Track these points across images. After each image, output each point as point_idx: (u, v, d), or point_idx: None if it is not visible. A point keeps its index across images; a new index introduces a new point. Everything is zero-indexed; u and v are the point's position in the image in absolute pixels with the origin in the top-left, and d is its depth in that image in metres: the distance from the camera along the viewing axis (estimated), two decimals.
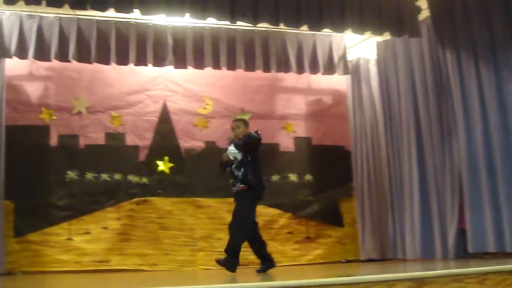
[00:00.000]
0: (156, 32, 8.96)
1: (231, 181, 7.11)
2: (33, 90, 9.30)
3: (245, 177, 6.89)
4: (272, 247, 9.56)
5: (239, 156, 6.92)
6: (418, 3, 8.45)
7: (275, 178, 9.88)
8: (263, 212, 9.68)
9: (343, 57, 9.91)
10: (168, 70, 9.52)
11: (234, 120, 7.49)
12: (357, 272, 6.42)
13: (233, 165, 6.96)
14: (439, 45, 8.42)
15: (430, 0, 8.36)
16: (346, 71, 9.96)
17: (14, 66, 9.04)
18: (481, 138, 7.74)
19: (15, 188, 8.74)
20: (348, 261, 9.85)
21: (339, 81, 10.39)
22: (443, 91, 8.46)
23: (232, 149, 6.97)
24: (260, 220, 9.61)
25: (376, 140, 10.04)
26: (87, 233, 9.03)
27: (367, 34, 8.94)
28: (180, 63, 9.08)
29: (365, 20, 8.13)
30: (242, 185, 6.90)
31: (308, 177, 10.11)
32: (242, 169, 6.90)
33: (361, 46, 10.20)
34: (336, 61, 9.82)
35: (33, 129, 9.14)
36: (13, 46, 8.43)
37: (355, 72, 10.27)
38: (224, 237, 9.31)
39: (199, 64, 9.15)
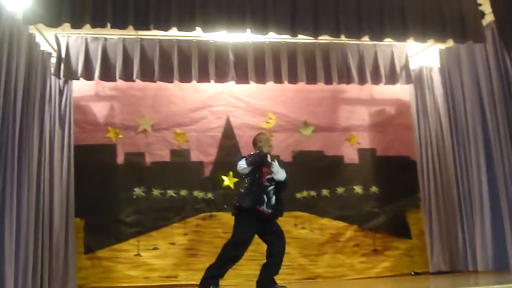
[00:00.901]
0: (217, 48, 9.06)
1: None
2: (99, 110, 9.58)
3: (280, 204, 6.76)
4: (339, 260, 9.54)
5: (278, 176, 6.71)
6: (481, 8, 8.26)
7: (340, 190, 9.81)
8: (329, 225, 9.66)
9: (406, 66, 9.79)
10: (230, 86, 9.62)
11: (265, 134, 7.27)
12: (427, 285, 6.29)
13: (270, 187, 6.66)
14: (505, 49, 8.21)
15: (494, 4, 8.15)
16: (409, 81, 9.83)
17: (80, 87, 9.36)
18: None
19: (85, 205, 9.00)
20: (416, 274, 9.65)
21: (402, 91, 10.25)
22: (511, 97, 8.24)
23: (279, 169, 6.77)
24: (326, 233, 9.64)
25: (442, 149, 9.83)
26: (155, 248, 9.17)
27: (430, 42, 8.79)
28: (242, 78, 9.15)
29: (427, 28, 7.99)
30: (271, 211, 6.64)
31: (374, 188, 9.99)
32: (275, 195, 6.67)
33: (423, 54, 10.04)
34: (398, 70, 9.71)
35: (100, 148, 9.41)
36: (79, 68, 8.71)
37: (418, 81, 10.11)
38: (290, 250, 9.35)
39: (260, 78, 9.20)
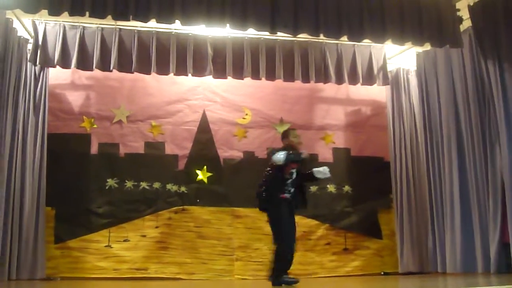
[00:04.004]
0: (196, 42, 9.03)
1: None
2: (75, 99, 9.50)
3: (300, 196, 7.03)
4: (310, 258, 9.57)
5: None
6: (459, 13, 8.33)
7: (313, 189, 9.78)
8: (301, 223, 9.62)
9: (383, 68, 9.83)
10: (208, 80, 9.61)
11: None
12: (395, 285, 6.34)
13: (289, 180, 6.82)
14: (481, 55, 8.29)
15: (471, 10, 8.24)
16: (385, 82, 9.88)
17: (57, 75, 9.28)
18: None
19: (56, 195, 8.93)
20: (386, 274, 9.73)
21: (379, 92, 10.32)
22: (485, 102, 8.33)
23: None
24: (298, 230, 9.59)
25: (416, 151, 9.92)
26: (126, 240, 9.13)
27: (408, 45, 8.85)
28: (220, 73, 9.13)
29: (405, 31, 8.06)
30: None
31: (347, 188, 10.04)
32: (294, 187, 6.88)
33: (401, 57, 10.12)
34: (375, 71, 9.75)
35: (74, 137, 9.34)
36: (56, 56, 8.61)
37: (394, 82, 10.18)
38: (262, 247, 9.35)
39: (238, 74, 9.19)
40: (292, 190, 6.82)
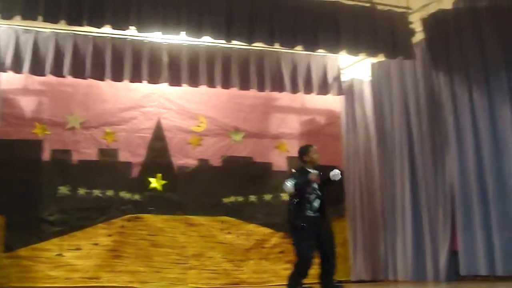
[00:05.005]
0: (151, 49, 8.99)
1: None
2: (27, 104, 9.29)
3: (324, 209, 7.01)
4: (264, 266, 9.58)
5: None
6: (412, 26, 8.50)
7: (267, 197, 9.84)
8: (255, 231, 9.70)
9: (337, 78, 9.95)
10: (163, 87, 9.54)
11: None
12: None
13: (312, 195, 6.92)
14: (432, 67, 8.47)
15: (424, 22, 8.42)
16: (340, 92, 10.00)
17: (9, 80, 9.05)
18: (473, 159, 7.75)
19: (6, 202, 8.69)
20: (338, 282, 9.76)
21: (333, 101, 10.42)
22: (436, 113, 8.50)
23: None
24: (251, 238, 9.66)
25: (369, 160, 10.04)
26: (78, 249, 8.96)
27: (362, 56, 8.98)
28: (175, 80, 9.11)
29: (359, 42, 8.18)
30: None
31: None
32: (318, 199, 6.94)
33: (355, 67, 10.25)
34: (330, 81, 9.87)
35: (26, 143, 9.12)
36: (8, 60, 8.45)
37: (349, 92, 10.30)
38: (215, 255, 9.34)
39: (193, 81, 9.18)
40: (316, 203, 6.92)
